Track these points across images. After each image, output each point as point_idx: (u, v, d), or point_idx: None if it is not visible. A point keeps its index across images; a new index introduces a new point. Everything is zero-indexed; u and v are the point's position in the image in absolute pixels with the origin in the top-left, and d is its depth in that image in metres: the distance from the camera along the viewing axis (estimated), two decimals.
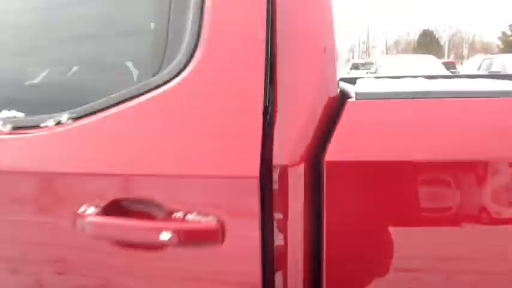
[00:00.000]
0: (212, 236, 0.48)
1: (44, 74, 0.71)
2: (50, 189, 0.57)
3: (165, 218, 0.49)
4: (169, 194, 0.50)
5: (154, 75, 0.56)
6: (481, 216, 0.47)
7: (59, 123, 0.58)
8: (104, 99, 0.55)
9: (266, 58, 0.50)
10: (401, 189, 0.48)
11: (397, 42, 51.23)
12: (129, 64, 0.66)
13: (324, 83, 0.51)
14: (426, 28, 41.68)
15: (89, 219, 0.51)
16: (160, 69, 0.56)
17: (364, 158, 0.48)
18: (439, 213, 0.49)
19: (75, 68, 0.64)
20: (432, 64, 7.73)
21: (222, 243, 0.48)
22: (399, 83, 0.69)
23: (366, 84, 0.62)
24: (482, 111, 0.51)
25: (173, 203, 0.50)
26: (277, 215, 0.48)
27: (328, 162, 0.47)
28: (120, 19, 0.63)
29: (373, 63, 11.12)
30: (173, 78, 0.53)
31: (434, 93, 0.54)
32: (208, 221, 0.48)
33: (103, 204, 0.51)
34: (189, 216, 0.49)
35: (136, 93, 0.54)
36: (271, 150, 0.48)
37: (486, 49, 38.59)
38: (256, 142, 0.48)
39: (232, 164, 0.49)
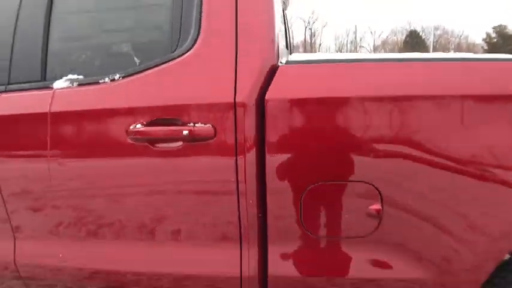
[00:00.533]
0: (208, 134, 0.92)
1: (76, 56, 1.13)
2: (113, 118, 1.00)
3: (183, 124, 0.94)
4: (186, 113, 0.94)
5: (172, 52, 0.99)
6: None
7: (113, 80, 1.01)
8: (142, 65, 0.99)
9: (235, 44, 0.94)
10: (303, 116, 0.92)
11: (384, 43, 52.38)
12: (151, 47, 1.08)
13: (265, 58, 0.95)
14: (413, 29, 42.78)
15: (140, 129, 0.95)
16: (176, 49, 1.00)
17: (287, 96, 0.92)
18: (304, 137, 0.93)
19: (126, 48, 1.07)
20: None
21: (213, 139, 0.93)
22: (318, 56, 1.15)
23: (296, 57, 1.07)
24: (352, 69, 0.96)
25: (189, 118, 0.94)
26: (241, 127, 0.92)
27: (267, 99, 0.91)
28: (156, 21, 1.07)
29: None
30: (178, 56, 0.98)
31: (331, 60, 1.00)
32: (206, 126, 0.93)
33: (146, 122, 0.95)
34: (197, 125, 0.93)
35: (161, 62, 0.99)
36: (235, 92, 0.92)
37: (471, 50, 39.70)
38: (231, 88, 0.92)
39: (219, 96, 0.93)
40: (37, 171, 1.05)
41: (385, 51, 50.00)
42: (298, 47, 58.79)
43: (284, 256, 1.00)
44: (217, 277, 1.04)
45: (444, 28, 50.46)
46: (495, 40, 33.24)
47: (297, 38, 55.66)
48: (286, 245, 0.99)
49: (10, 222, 1.11)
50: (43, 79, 1.08)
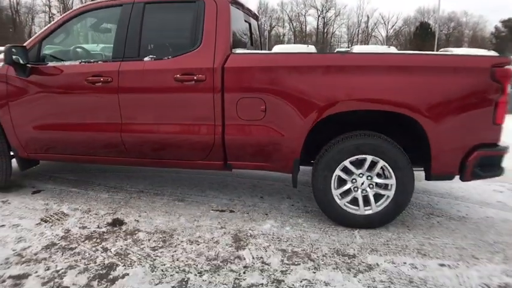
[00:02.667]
0: (203, 79, 2.54)
1: (152, 46, 2.75)
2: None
3: (194, 75, 2.56)
4: (195, 70, 2.56)
5: (191, 49, 2.59)
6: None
7: (168, 58, 2.64)
8: (179, 53, 2.61)
9: (214, 46, 2.54)
10: (237, 74, 2.52)
11: (398, 33, 52.71)
12: (179, 44, 2.68)
13: (226, 48, 2.55)
14: (423, 20, 43.21)
15: (178, 77, 2.57)
16: (191, 48, 2.60)
17: (231, 66, 2.52)
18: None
19: (159, 46, 2.68)
20: None
21: (204, 82, 2.54)
22: (248, 51, 2.74)
23: (239, 50, 2.66)
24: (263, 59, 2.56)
25: (196, 72, 2.55)
26: (215, 78, 2.53)
27: (225, 67, 2.52)
28: (186, 35, 2.67)
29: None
30: (192, 50, 2.58)
31: (249, 52, 2.60)
32: (202, 76, 2.54)
33: (180, 74, 2.58)
34: (199, 75, 2.55)
35: (181, 52, 2.60)
36: (214, 62, 2.53)
37: (482, 45, 40.05)
38: (211, 61, 2.53)
39: (207, 65, 2.54)
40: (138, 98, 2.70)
41: (397, 42, 50.44)
42: (311, 34, 59.59)
43: (231, 129, 2.61)
44: (204, 142, 2.66)
45: (458, 20, 50.44)
46: (503, 34, 33.78)
47: (311, 25, 56.37)
48: (231, 124, 2.60)
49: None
50: (138, 56, 2.70)
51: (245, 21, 3.23)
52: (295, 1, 53.87)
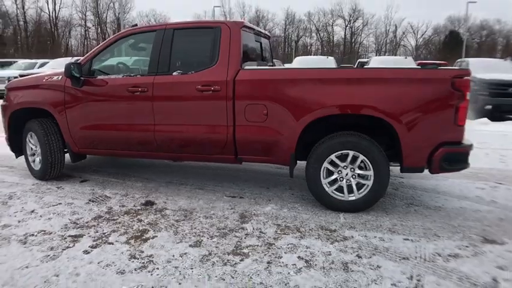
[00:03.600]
0: (218, 90, 3.19)
1: (179, 63, 3.43)
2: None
3: (211, 86, 3.22)
4: (213, 83, 3.22)
5: (210, 65, 3.25)
6: None
7: (191, 73, 3.31)
8: (200, 69, 3.28)
9: (228, 63, 3.19)
10: (246, 86, 3.15)
11: (428, 42, 52.00)
12: (201, 62, 3.34)
13: (237, 65, 3.19)
14: (453, 29, 42.50)
15: (199, 87, 3.24)
16: (210, 65, 3.26)
17: (241, 79, 3.15)
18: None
19: (185, 63, 3.36)
20: (408, 64, 10.03)
21: (220, 92, 3.19)
22: (256, 66, 3.37)
23: (249, 66, 3.30)
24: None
25: (214, 84, 3.21)
26: (228, 88, 3.17)
27: (236, 80, 3.16)
28: (206, 55, 3.34)
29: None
30: (211, 67, 3.24)
31: (256, 68, 3.23)
32: (218, 87, 3.19)
33: (201, 85, 3.24)
34: (215, 87, 3.21)
35: (202, 68, 3.26)
36: (227, 76, 3.17)
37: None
38: (225, 75, 3.17)
39: (222, 78, 3.19)
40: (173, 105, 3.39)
41: (427, 51, 49.76)
42: (338, 44, 59.85)
43: (240, 129, 3.23)
44: (219, 139, 3.29)
45: (491, 28, 49.13)
46: None
47: (338, 35, 56.69)
48: (240, 125, 3.22)
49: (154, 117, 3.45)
50: (169, 71, 3.39)
51: (256, 41, 3.87)
52: (323, 11, 54.55)
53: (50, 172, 3.87)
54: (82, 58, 3.72)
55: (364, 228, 2.84)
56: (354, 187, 3.08)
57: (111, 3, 44.23)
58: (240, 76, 3.17)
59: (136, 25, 3.77)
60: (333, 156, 3.06)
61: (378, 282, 2.12)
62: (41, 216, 3.07)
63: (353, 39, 54.32)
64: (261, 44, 4.07)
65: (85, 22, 44.56)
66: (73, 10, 44.79)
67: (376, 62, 10.81)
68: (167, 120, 3.42)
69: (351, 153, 3.02)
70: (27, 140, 3.93)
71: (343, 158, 3.06)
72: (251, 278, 2.16)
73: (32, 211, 3.16)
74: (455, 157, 2.95)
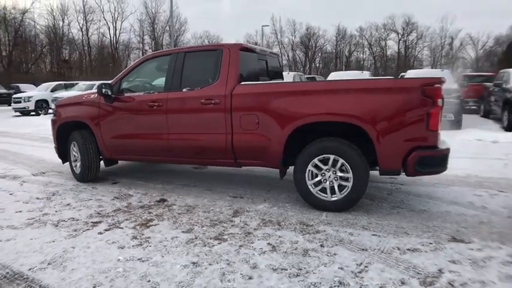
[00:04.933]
0: (218, 103, 3.70)
1: (188, 81, 4.01)
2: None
3: (212, 99, 3.76)
4: (213, 97, 3.75)
5: (212, 82, 3.80)
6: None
7: (197, 89, 3.88)
8: (204, 86, 3.83)
9: (226, 80, 3.71)
10: (241, 99, 3.63)
11: (489, 54, 48.59)
12: (206, 79, 3.90)
13: (235, 81, 3.69)
14: None
15: (203, 101, 3.79)
16: (212, 82, 3.80)
17: (238, 93, 3.65)
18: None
19: (193, 81, 3.93)
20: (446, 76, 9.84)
21: (219, 105, 3.70)
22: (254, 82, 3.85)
23: (247, 82, 3.78)
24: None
25: (214, 98, 3.75)
26: (226, 101, 3.68)
27: (233, 94, 3.65)
28: (207, 74, 3.91)
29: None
30: (213, 83, 3.78)
31: (252, 83, 3.71)
32: (217, 101, 3.71)
33: (204, 99, 3.79)
34: (215, 100, 3.74)
35: (206, 84, 3.81)
36: (225, 91, 3.69)
37: None
38: (224, 90, 3.69)
39: (221, 93, 3.71)
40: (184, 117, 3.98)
41: (489, 63, 46.49)
42: (392, 59, 58.26)
43: (238, 137, 3.69)
44: (220, 146, 3.78)
45: None
46: None
47: (392, 49, 55.34)
48: (237, 133, 3.69)
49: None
50: (180, 88, 4.00)
51: (259, 59, 4.35)
52: (375, 26, 53.81)
53: (88, 175, 4.64)
54: (114, 79, 4.49)
55: (339, 225, 3.11)
56: (336, 188, 3.37)
57: (167, 27, 48.05)
58: (236, 90, 3.67)
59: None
60: (316, 160, 3.39)
61: (327, 266, 2.41)
62: (73, 208, 3.77)
63: (407, 53, 52.62)
64: (266, 62, 4.55)
65: (142, 45, 48.80)
66: (131, 34, 49.24)
67: (411, 74, 10.74)
68: (177, 129, 4.01)
69: (332, 157, 3.32)
70: (71, 148, 4.75)
71: (325, 161, 3.38)
72: (221, 256, 2.58)
73: (68, 204, 3.88)
74: (429, 160, 3.12)
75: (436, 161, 3.15)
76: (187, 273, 2.36)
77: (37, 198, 4.09)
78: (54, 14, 43.62)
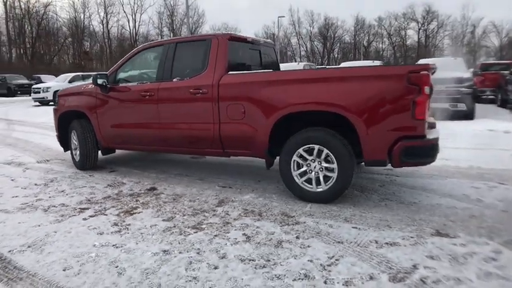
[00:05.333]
0: (206, 92, 3.69)
1: (178, 71, 4.00)
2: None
3: (201, 89, 3.74)
4: (202, 86, 3.73)
5: (201, 72, 3.77)
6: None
7: (186, 79, 3.87)
8: (193, 75, 3.82)
9: (214, 69, 3.68)
10: (228, 88, 3.59)
11: None
12: (195, 69, 3.88)
13: (222, 71, 3.66)
14: None
15: (191, 90, 3.78)
16: (200, 72, 3.77)
17: (225, 82, 3.61)
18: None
19: (183, 71, 3.91)
20: (459, 65, 9.43)
21: (207, 94, 3.68)
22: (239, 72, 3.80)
23: (234, 72, 3.74)
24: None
25: (203, 88, 3.73)
26: (214, 91, 3.65)
27: (220, 84, 3.62)
28: (192, 61, 3.88)
29: None
30: (201, 73, 3.75)
31: (237, 73, 3.66)
32: (205, 90, 3.69)
33: (193, 89, 3.78)
34: (203, 90, 3.72)
35: (195, 74, 3.78)
36: (213, 80, 3.66)
37: None
38: (211, 80, 3.66)
39: (209, 82, 3.68)
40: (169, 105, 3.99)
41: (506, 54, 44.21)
42: (412, 48, 56.40)
43: (225, 127, 3.67)
44: (208, 135, 3.77)
45: None
46: None
47: (412, 39, 53.58)
48: (224, 122, 3.66)
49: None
50: (170, 78, 3.99)
51: (251, 49, 4.28)
52: (394, 15, 52.21)
53: (86, 163, 4.75)
54: (110, 69, 4.54)
55: (321, 216, 3.06)
56: (322, 179, 3.30)
57: (185, 19, 48.24)
58: (223, 80, 3.63)
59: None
60: (301, 150, 3.33)
61: (297, 258, 2.37)
62: (67, 194, 3.87)
63: (427, 42, 50.80)
64: (260, 52, 4.48)
65: (161, 37, 49.24)
66: (150, 27, 49.84)
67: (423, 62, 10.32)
68: (168, 119, 4.02)
69: (316, 147, 3.25)
70: (71, 136, 4.87)
71: (310, 151, 3.31)
72: (193, 244, 2.59)
73: (62, 191, 3.99)
74: (415, 151, 3.00)
75: (423, 151, 3.02)
76: (156, 261, 2.38)
77: (35, 185, 4.23)
78: (76, 7, 44.64)
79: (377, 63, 11.52)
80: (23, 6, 39.55)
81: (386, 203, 3.34)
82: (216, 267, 2.28)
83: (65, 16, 44.64)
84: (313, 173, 3.33)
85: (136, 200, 3.60)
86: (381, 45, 56.82)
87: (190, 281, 2.14)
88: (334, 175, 3.23)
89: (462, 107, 8.18)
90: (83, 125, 4.68)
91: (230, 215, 3.15)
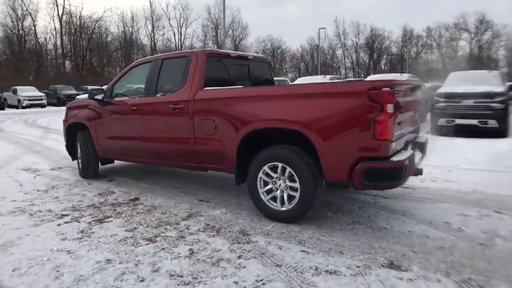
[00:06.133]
0: (182, 107, 3.79)
1: (162, 87, 4.16)
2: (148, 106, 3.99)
3: (178, 104, 3.87)
4: (179, 102, 3.85)
5: (180, 87, 3.90)
6: None
7: (167, 94, 4.01)
8: (172, 91, 3.95)
9: (191, 85, 3.79)
10: (201, 103, 3.68)
11: None
12: (176, 85, 4.00)
13: (198, 87, 3.75)
14: None
15: (171, 106, 3.91)
16: (180, 88, 3.89)
17: (199, 98, 3.70)
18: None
19: (166, 86, 4.06)
20: (493, 79, 8.73)
21: (184, 109, 3.79)
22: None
23: (209, 88, 3.82)
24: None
25: (180, 103, 3.85)
26: (190, 106, 3.75)
27: (195, 99, 3.71)
28: (174, 77, 4.02)
29: None
30: (181, 89, 3.87)
31: (213, 89, 3.73)
32: (182, 105, 3.80)
33: (172, 104, 3.91)
34: (180, 105, 3.84)
35: (175, 90, 3.91)
36: (189, 96, 3.76)
37: None
38: (188, 95, 3.76)
39: (185, 98, 3.79)
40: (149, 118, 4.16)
41: None
42: (465, 60, 52.93)
43: (199, 142, 3.74)
44: (186, 150, 3.86)
45: None
46: None
47: (463, 50, 50.37)
48: (198, 137, 3.73)
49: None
50: (155, 93, 4.17)
51: (237, 64, 4.34)
52: (444, 26, 49.61)
53: (88, 172, 5.07)
54: (108, 84, 4.84)
55: (277, 237, 2.98)
56: (286, 198, 3.23)
57: (229, 31, 49.80)
58: (198, 96, 3.72)
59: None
60: (266, 167, 3.29)
61: (224, 278, 2.34)
62: (58, 200, 4.15)
63: (481, 53, 47.42)
64: (248, 67, 4.52)
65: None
66: (195, 40, 52.09)
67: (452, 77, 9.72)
68: (152, 133, 4.19)
69: (280, 165, 3.20)
70: (77, 147, 5.23)
71: (275, 169, 3.26)
72: (137, 256, 2.66)
73: (57, 197, 4.29)
74: (376, 173, 2.83)
75: (386, 174, 2.84)
76: (94, 269, 2.48)
77: (37, 190, 4.59)
78: (125, 21, 48.07)
79: (405, 76, 10.97)
80: (76, 22, 43.46)
81: (354, 227, 3.17)
82: (142, 280, 2.33)
83: (114, 30, 48.27)
84: (278, 191, 3.27)
85: (114, 210, 3.77)
86: (430, 56, 54.15)
87: None
88: (297, 194, 3.14)
89: (493, 123, 7.54)
90: (85, 136, 5.02)
91: (189, 229, 3.18)
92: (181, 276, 2.37)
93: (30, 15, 42.58)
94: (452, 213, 3.46)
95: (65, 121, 5.46)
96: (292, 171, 3.13)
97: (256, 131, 3.32)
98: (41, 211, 3.78)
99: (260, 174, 3.33)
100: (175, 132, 3.93)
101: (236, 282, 2.28)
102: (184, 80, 3.89)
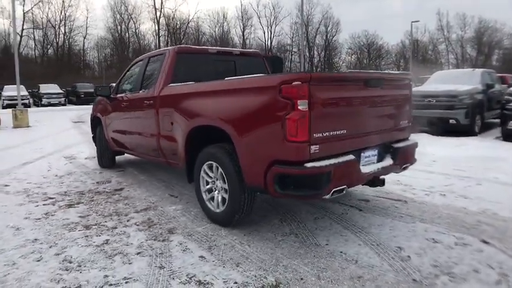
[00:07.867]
0: (151, 101, 3.93)
1: (145, 84, 4.33)
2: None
3: (150, 100, 4.01)
4: (150, 98, 4.00)
5: (154, 84, 4.02)
6: None
7: (144, 91, 4.18)
8: (148, 88, 4.11)
9: (161, 82, 3.89)
10: (166, 100, 3.74)
11: None
12: (153, 82, 4.14)
13: (166, 83, 3.83)
14: None
15: (146, 102, 4.08)
16: (155, 83, 4.03)
17: (165, 94, 3.78)
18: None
19: (147, 83, 4.22)
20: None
21: (153, 103, 3.92)
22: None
23: (174, 84, 3.86)
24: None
25: (151, 99, 4.00)
26: (157, 101, 3.86)
27: (160, 95, 3.81)
28: (153, 73, 4.16)
29: None
30: (154, 85, 4.01)
31: (179, 85, 3.77)
32: (151, 101, 3.94)
33: (147, 100, 4.08)
34: (149, 101, 3.98)
35: (150, 86, 4.06)
36: (156, 92, 3.87)
37: None
38: (157, 91, 3.88)
39: (153, 94, 3.92)
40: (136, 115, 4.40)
41: None
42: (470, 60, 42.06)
43: (161, 137, 3.82)
44: (154, 145, 3.98)
45: None
46: None
47: None
48: (161, 133, 3.80)
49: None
50: (139, 90, 4.38)
51: (217, 60, 4.27)
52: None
53: (102, 162, 5.62)
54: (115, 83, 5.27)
55: (195, 239, 2.90)
56: (219, 200, 3.10)
57: (320, 28, 49.12)
58: (162, 92, 3.80)
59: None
60: (205, 166, 3.21)
61: (102, 270, 2.39)
62: (61, 185, 4.70)
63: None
64: (234, 63, 4.42)
65: (291, 47, 51.51)
66: (284, 37, 52.55)
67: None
68: (133, 127, 4.44)
69: (214, 164, 3.08)
70: (97, 138, 5.83)
71: (212, 168, 3.15)
72: (60, 240, 2.87)
73: (62, 182, 4.86)
74: (290, 181, 2.49)
75: (301, 182, 2.47)
76: (17, 245, 2.80)
77: (55, 176, 5.25)
78: (215, 21, 51.16)
79: (478, 71, 9.32)
80: (174, 24, 47.81)
81: (284, 239, 2.88)
82: (38, 260, 2.55)
83: (206, 30, 51.73)
84: (216, 191, 3.16)
85: (91, 197, 4.12)
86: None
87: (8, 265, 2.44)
88: (227, 196, 2.99)
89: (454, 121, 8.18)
90: (100, 129, 5.56)
91: (129, 221, 3.30)
92: (70, 263, 2.50)
93: (132, 19, 48.55)
94: (421, 237, 2.87)
95: (91, 114, 6.13)
96: (222, 171, 2.99)
97: (197, 128, 3.25)
98: (37, 193, 4.33)
99: (202, 173, 3.26)
100: (149, 127, 4.09)
101: (106, 276, 2.31)
102: (158, 76, 4.01)
